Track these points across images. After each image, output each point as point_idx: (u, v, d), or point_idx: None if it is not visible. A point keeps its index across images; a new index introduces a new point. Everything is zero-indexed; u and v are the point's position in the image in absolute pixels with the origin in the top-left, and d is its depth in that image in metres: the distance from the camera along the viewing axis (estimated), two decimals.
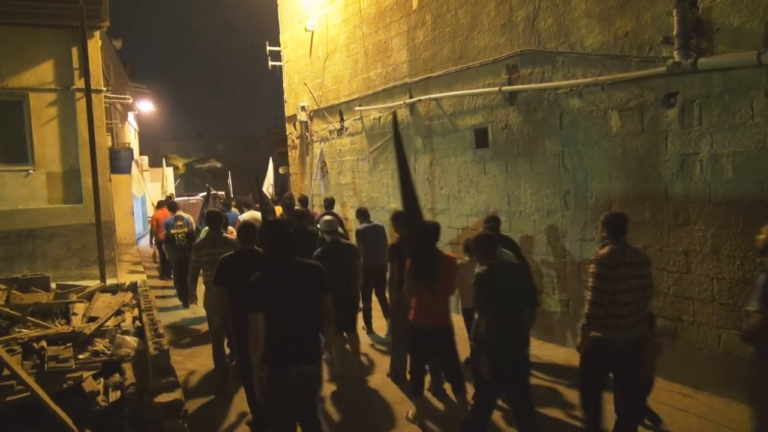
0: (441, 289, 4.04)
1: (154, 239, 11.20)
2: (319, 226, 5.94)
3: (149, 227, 12.35)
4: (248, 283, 3.16)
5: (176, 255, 8.68)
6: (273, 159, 14.52)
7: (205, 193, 11.37)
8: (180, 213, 9.02)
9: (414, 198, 3.97)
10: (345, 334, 5.43)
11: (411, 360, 4.51)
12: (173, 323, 7.80)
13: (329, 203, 8.47)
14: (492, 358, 3.54)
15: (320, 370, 3.30)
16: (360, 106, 9.87)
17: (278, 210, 8.52)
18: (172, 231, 8.71)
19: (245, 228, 4.39)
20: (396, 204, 9.15)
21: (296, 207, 7.92)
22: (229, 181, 14.47)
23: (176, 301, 8.86)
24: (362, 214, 7.23)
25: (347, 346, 5.54)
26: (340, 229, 5.87)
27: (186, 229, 8.71)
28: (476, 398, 3.76)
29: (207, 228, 5.84)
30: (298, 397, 3.13)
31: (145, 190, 14.49)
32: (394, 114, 7.31)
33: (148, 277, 9.93)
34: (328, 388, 5.09)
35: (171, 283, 9.53)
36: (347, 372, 5.38)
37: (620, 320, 3.51)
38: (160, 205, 11.30)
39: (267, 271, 3.16)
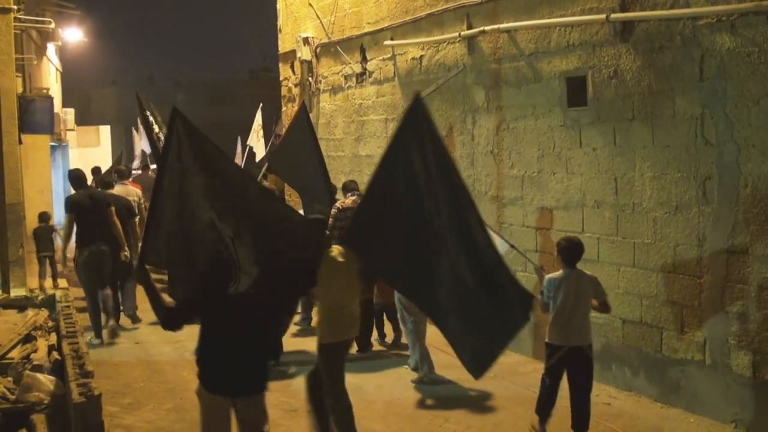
0: None
1: None
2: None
3: None
4: (67, 198, 9.26)
5: None
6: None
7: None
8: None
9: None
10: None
11: None
12: (106, 357, 7.97)
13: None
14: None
15: (109, 250, 8.53)
16: (392, 39, 9.89)
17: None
18: None
19: (72, 177, 9.18)
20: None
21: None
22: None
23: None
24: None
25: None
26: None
27: None
28: None
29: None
30: (99, 268, 8.50)
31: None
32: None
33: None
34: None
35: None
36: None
37: None
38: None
39: (76, 196, 8.88)
